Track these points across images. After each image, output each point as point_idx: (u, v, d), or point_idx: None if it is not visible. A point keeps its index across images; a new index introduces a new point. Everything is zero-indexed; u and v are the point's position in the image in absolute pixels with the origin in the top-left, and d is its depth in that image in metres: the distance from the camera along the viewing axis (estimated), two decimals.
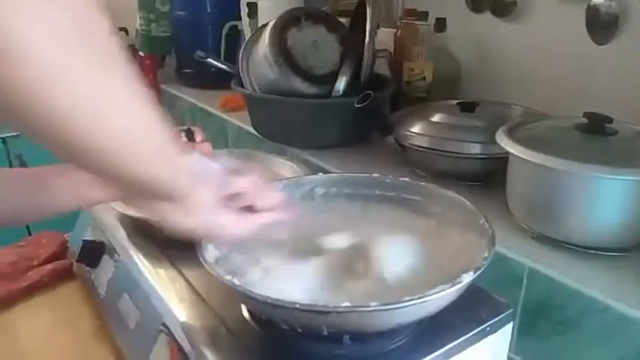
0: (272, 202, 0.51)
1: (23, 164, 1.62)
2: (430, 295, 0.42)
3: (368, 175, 0.65)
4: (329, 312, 0.42)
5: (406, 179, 0.63)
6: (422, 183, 0.63)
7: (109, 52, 0.32)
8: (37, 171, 0.56)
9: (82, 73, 0.30)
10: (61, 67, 0.29)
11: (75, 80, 0.30)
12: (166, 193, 0.42)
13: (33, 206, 0.55)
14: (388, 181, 0.64)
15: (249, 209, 0.49)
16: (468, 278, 0.45)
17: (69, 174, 0.55)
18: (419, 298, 0.42)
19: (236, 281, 0.46)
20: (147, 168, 0.38)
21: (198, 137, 0.60)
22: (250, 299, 0.45)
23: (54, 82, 0.29)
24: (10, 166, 1.62)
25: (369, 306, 0.41)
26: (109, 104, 0.33)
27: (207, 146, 0.60)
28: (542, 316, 0.61)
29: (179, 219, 0.44)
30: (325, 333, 0.44)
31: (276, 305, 0.43)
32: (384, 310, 0.42)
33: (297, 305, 0.42)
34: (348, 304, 0.41)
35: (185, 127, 0.60)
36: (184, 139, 0.59)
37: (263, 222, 0.50)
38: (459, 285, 0.44)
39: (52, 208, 0.55)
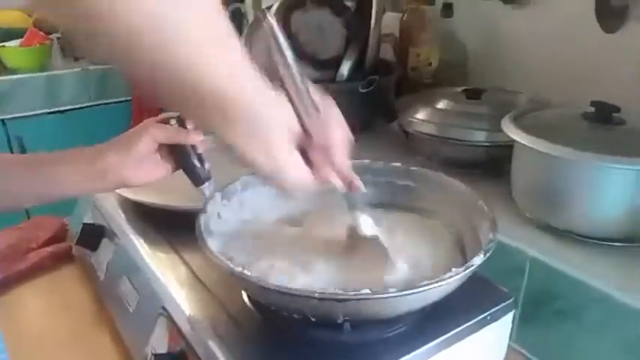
0: (345, 165, 0.46)
1: (22, 146, 1.62)
2: (446, 279, 0.43)
3: (358, 160, 0.64)
4: (348, 299, 0.41)
5: (398, 164, 0.63)
6: (414, 168, 0.62)
7: None
8: (37, 158, 0.55)
9: None
10: None
11: None
12: (241, 111, 0.38)
13: (31, 192, 0.54)
14: (379, 166, 0.63)
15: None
16: (478, 260, 0.45)
17: (69, 163, 0.54)
18: (436, 282, 0.42)
19: (247, 272, 0.45)
20: (225, 78, 0.36)
21: (190, 124, 0.58)
22: (262, 289, 0.44)
23: None
24: (10, 148, 1.62)
25: (388, 292, 0.41)
26: (193, 14, 0.32)
27: (198, 135, 0.58)
28: (544, 305, 0.61)
29: (251, 153, 0.40)
30: (340, 321, 0.44)
31: (292, 294, 0.42)
32: (402, 295, 0.42)
33: (316, 294, 0.41)
34: (367, 290, 0.41)
35: (176, 115, 0.58)
36: (176, 125, 0.57)
37: (334, 183, 0.46)
38: (472, 268, 0.44)
39: (50, 195, 0.54)
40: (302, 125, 0.43)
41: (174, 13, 0.32)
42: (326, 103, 0.45)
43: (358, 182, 0.49)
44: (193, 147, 0.57)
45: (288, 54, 0.42)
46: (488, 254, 0.46)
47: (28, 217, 0.96)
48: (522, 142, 0.63)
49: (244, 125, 0.39)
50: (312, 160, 0.44)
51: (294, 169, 0.43)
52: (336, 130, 0.45)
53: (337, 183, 0.47)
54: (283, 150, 0.42)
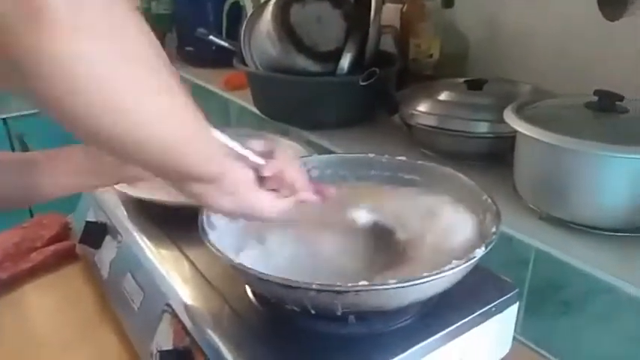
0: (303, 183, 0.50)
1: (24, 144, 1.62)
2: (447, 271, 0.43)
3: (364, 154, 0.64)
4: (346, 291, 0.41)
5: (403, 158, 0.63)
6: (419, 162, 0.62)
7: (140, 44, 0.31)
8: (25, 157, 0.55)
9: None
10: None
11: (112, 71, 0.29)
12: (203, 174, 0.41)
13: (22, 193, 0.54)
14: (384, 160, 0.63)
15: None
16: (480, 253, 0.45)
17: (67, 159, 0.54)
18: (436, 274, 0.42)
19: (246, 264, 0.45)
20: (183, 151, 0.37)
21: None
22: (262, 282, 0.44)
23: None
24: (11, 146, 1.62)
25: (387, 284, 0.41)
26: (142, 94, 0.31)
27: None
28: (549, 296, 0.61)
29: (217, 201, 0.43)
30: (339, 313, 0.44)
31: (291, 287, 0.42)
32: (402, 287, 0.42)
33: (314, 286, 0.41)
34: (365, 282, 0.41)
35: None
36: None
37: (299, 201, 0.49)
38: (473, 260, 0.44)
39: (41, 196, 0.54)
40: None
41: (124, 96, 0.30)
42: (270, 147, 0.48)
43: (328, 189, 0.52)
44: None
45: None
46: (489, 247, 0.45)
47: (32, 215, 0.96)
48: (525, 132, 0.62)
49: (215, 185, 0.42)
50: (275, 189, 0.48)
51: (265, 201, 0.46)
52: (288, 170, 0.48)
53: (310, 197, 0.50)
54: (250, 192, 0.45)
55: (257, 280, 0.45)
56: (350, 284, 0.41)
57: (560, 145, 0.58)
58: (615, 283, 0.55)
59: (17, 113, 1.62)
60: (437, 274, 0.42)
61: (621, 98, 0.63)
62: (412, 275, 0.42)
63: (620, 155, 0.57)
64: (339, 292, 0.42)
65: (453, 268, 0.43)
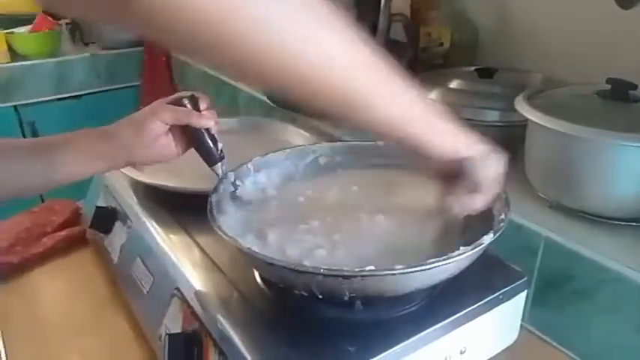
0: None
1: (35, 131, 1.63)
2: (454, 257, 0.43)
3: (372, 142, 0.64)
4: (354, 276, 0.41)
5: None
6: None
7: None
8: (42, 142, 0.55)
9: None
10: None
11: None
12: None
13: (35, 179, 0.54)
14: (392, 147, 0.63)
15: None
16: (488, 240, 0.45)
17: (77, 143, 0.55)
18: (444, 260, 0.42)
19: (256, 248, 0.46)
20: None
21: (203, 104, 0.58)
22: (270, 266, 0.44)
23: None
24: (23, 133, 1.63)
25: (394, 269, 0.41)
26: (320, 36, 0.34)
27: (212, 114, 0.59)
28: (557, 285, 0.61)
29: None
30: (346, 298, 0.44)
31: (299, 271, 0.43)
32: (408, 272, 0.42)
33: (322, 270, 0.41)
34: (372, 267, 0.41)
35: (189, 94, 0.58)
36: (189, 105, 0.57)
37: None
38: (481, 247, 0.44)
39: (58, 179, 0.55)
40: None
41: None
42: None
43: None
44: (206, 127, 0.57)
45: None
46: (498, 233, 0.45)
47: (42, 201, 0.97)
48: (536, 120, 0.62)
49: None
50: None
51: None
52: None
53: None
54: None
55: (265, 264, 0.45)
56: (357, 269, 0.41)
57: (571, 133, 0.58)
58: (624, 272, 0.55)
59: (28, 100, 1.63)
60: (444, 259, 0.42)
61: (634, 87, 0.62)
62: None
63: (631, 144, 0.56)
64: (345, 277, 0.42)
65: (460, 254, 0.43)
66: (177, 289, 0.58)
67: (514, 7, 0.97)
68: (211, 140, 0.58)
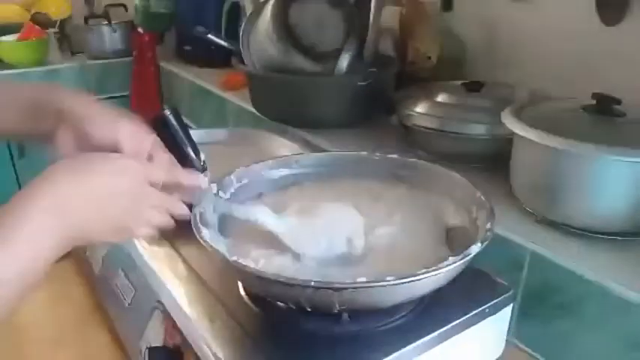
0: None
1: (21, 147, 1.61)
2: (443, 268, 0.42)
3: (356, 152, 0.64)
4: (344, 288, 0.41)
5: (395, 156, 0.63)
6: (412, 159, 0.62)
7: None
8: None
9: None
10: None
11: None
12: None
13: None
14: (377, 158, 0.63)
15: None
16: (476, 249, 0.45)
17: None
18: (433, 271, 0.42)
19: (242, 261, 0.45)
20: None
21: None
22: (258, 279, 0.44)
23: None
24: (8, 147, 1.62)
25: (385, 280, 0.41)
26: None
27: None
28: (543, 299, 0.61)
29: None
30: (336, 310, 0.43)
31: (288, 284, 0.42)
32: (398, 284, 0.41)
33: (312, 282, 0.41)
34: (363, 279, 0.41)
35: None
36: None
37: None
38: (469, 257, 0.44)
39: None
40: None
41: None
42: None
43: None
44: (188, 138, 0.56)
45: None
46: (485, 243, 0.45)
47: None
48: (522, 134, 0.62)
49: None
50: None
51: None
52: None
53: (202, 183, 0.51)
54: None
55: (253, 277, 0.44)
56: (348, 281, 0.41)
57: (557, 147, 0.58)
58: (610, 286, 0.55)
59: None
60: (433, 270, 0.42)
61: (619, 102, 0.63)
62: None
63: (616, 158, 0.56)
64: (336, 289, 0.41)
65: (448, 265, 0.43)
66: (159, 301, 0.57)
67: (501, 23, 0.98)
68: (194, 151, 0.57)
